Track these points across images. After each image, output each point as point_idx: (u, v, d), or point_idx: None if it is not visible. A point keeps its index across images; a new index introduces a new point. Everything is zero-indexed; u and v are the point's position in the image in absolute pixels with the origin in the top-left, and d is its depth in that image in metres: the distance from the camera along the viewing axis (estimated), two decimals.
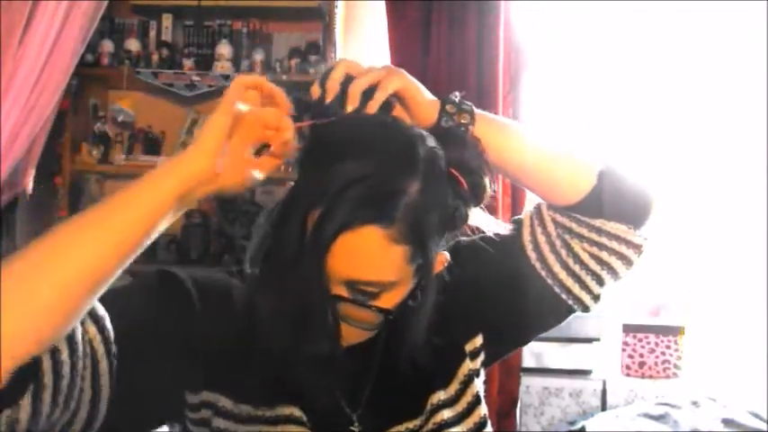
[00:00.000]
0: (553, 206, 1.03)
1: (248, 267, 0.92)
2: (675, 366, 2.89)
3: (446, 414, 1.00)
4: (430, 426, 0.99)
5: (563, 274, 1.02)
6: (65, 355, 0.79)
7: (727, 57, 2.96)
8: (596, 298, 1.05)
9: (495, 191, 0.96)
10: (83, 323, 0.81)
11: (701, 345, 2.96)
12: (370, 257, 0.84)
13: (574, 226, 1.01)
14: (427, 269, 0.89)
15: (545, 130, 1.04)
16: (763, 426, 2.52)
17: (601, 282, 1.03)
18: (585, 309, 1.05)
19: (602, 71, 3.03)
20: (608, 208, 0.99)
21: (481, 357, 1.06)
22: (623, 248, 1.01)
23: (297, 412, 0.93)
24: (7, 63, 2.49)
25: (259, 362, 0.90)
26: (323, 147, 0.86)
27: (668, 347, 2.89)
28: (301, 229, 0.83)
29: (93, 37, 2.82)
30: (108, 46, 3.22)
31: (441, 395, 1.01)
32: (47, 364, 0.78)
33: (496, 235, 1.04)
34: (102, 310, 0.84)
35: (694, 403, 2.62)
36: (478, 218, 0.98)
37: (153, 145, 3.31)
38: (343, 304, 0.87)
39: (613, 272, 1.02)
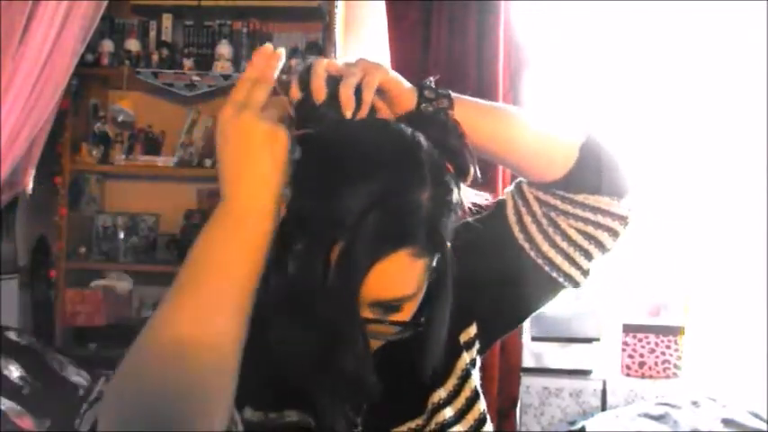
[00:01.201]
0: (535, 184, 1.02)
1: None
2: (675, 366, 2.89)
3: (447, 413, 0.99)
4: (432, 425, 0.98)
5: (552, 253, 1.02)
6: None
7: (727, 57, 2.96)
8: (586, 273, 1.04)
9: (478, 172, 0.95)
10: None
11: (701, 345, 2.96)
12: (397, 278, 0.83)
13: (558, 203, 1.00)
14: (448, 271, 0.88)
15: (524, 109, 1.02)
16: (763, 426, 2.52)
17: (589, 256, 1.02)
18: (576, 285, 1.04)
19: (603, 70, 3.03)
20: (590, 182, 0.98)
21: (476, 346, 1.05)
22: (608, 221, 1.00)
23: (304, 417, 0.93)
24: (7, 63, 2.49)
25: (266, 369, 0.88)
26: (323, 163, 0.83)
27: (668, 347, 2.89)
28: (324, 264, 0.81)
29: (93, 37, 2.82)
30: (108, 46, 3.23)
31: (441, 393, 1.00)
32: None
33: (480, 220, 1.03)
34: None
35: (694, 403, 2.63)
36: (464, 194, 0.98)
37: (153, 145, 3.31)
38: (368, 324, 0.86)
39: (601, 245, 1.02)
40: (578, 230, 1.01)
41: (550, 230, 1.01)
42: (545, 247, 1.02)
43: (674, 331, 2.90)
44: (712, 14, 2.96)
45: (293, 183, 0.84)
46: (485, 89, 2.77)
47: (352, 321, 0.83)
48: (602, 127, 1.01)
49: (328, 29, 3.07)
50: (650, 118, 2.99)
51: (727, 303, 3.00)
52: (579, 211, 1.00)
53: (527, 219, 1.03)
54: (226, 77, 3.13)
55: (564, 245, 1.01)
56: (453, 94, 0.95)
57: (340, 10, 3.08)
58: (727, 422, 2.53)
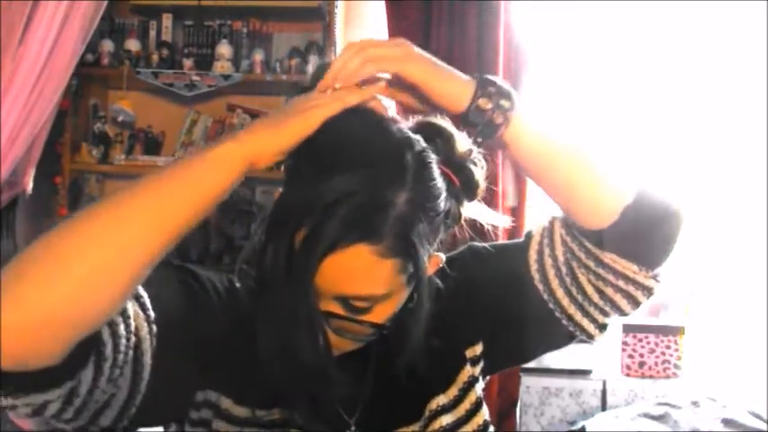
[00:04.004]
0: (566, 224, 0.97)
1: (236, 279, 0.92)
2: (675, 366, 2.89)
3: (445, 420, 0.99)
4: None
5: (566, 301, 0.97)
6: (121, 329, 0.79)
7: (727, 57, 2.96)
8: (601, 327, 0.99)
9: (489, 184, 0.93)
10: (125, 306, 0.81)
11: (700, 345, 2.96)
12: (359, 274, 0.82)
13: (582, 256, 0.94)
14: (419, 278, 0.86)
15: (583, 136, 0.93)
16: (763, 426, 2.52)
17: (605, 314, 0.98)
18: (590, 337, 1.00)
19: (603, 71, 3.03)
20: (623, 245, 0.92)
21: (481, 365, 1.04)
22: (630, 288, 0.94)
23: (295, 417, 0.93)
24: (7, 63, 2.49)
25: (259, 366, 0.89)
26: (311, 154, 0.84)
27: (668, 347, 2.89)
28: (289, 247, 0.81)
29: (93, 37, 2.82)
30: (108, 46, 3.22)
31: (440, 400, 0.99)
32: (107, 336, 0.78)
33: (506, 246, 1.02)
34: (141, 290, 0.84)
35: (694, 403, 2.62)
36: (475, 210, 0.95)
37: (153, 145, 3.31)
38: (336, 319, 0.86)
39: (617, 308, 0.97)
40: (596, 289, 0.96)
41: (568, 280, 0.97)
42: (559, 293, 0.97)
43: (674, 331, 2.90)
44: (712, 14, 2.96)
45: (285, 173, 0.86)
46: None
47: (306, 307, 0.82)
48: (658, 184, 0.93)
49: (328, 29, 3.07)
50: (650, 118, 2.98)
51: (727, 303, 3.00)
52: (602, 272, 0.94)
53: (548, 261, 0.98)
54: (226, 77, 3.13)
55: (579, 297, 0.97)
56: (518, 97, 0.90)
57: (340, 10, 3.07)
58: (727, 422, 2.52)
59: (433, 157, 0.86)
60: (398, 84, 0.90)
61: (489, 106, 0.88)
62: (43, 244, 0.74)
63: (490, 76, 0.90)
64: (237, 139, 0.81)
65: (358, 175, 0.80)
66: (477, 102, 0.88)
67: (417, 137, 0.87)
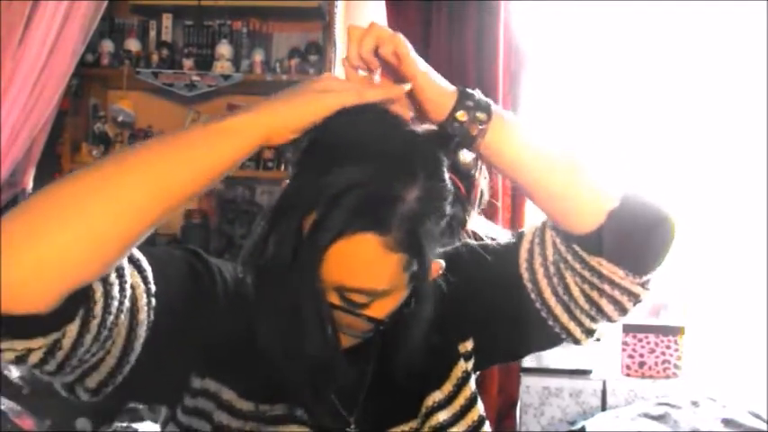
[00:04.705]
0: (554, 226, 0.96)
1: (240, 271, 0.91)
2: (675, 366, 2.89)
3: (442, 416, 0.99)
4: (426, 429, 0.98)
5: (552, 301, 0.97)
6: (115, 291, 0.79)
7: (727, 57, 2.96)
8: (588, 332, 0.98)
9: (493, 196, 0.93)
10: (123, 270, 0.81)
11: (701, 345, 2.96)
12: (363, 265, 0.83)
13: (569, 258, 0.94)
14: (424, 279, 0.86)
15: (567, 142, 0.93)
16: (763, 426, 2.52)
17: (593, 318, 0.97)
18: (576, 341, 0.99)
19: (602, 71, 3.03)
20: (610, 250, 0.90)
21: (473, 360, 1.04)
22: (617, 294, 0.93)
23: (298, 412, 0.93)
24: (7, 63, 2.49)
25: (264, 359, 0.89)
26: (321, 146, 0.84)
27: (668, 347, 2.89)
28: (297, 233, 0.81)
29: (93, 37, 2.82)
30: (108, 46, 3.22)
31: (436, 396, 1.00)
32: (99, 295, 0.77)
33: (498, 244, 1.02)
34: (145, 263, 0.84)
35: (694, 403, 2.62)
36: (477, 223, 0.96)
37: None
38: (334, 311, 0.85)
39: (604, 314, 0.96)
40: (582, 292, 0.95)
41: (555, 280, 0.96)
42: (547, 294, 0.97)
43: (674, 331, 2.90)
44: (712, 14, 2.96)
45: (293, 165, 0.86)
46: (484, 90, 2.72)
47: (312, 294, 0.82)
48: (643, 189, 0.91)
49: (328, 29, 3.07)
50: (650, 118, 2.98)
51: (727, 303, 3.00)
52: (587, 274, 0.93)
53: (537, 260, 0.98)
54: (226, 77, 3.13)
55: (566, 299, 0.96)
56: (496, 108, 0.91)
57: (340, 10, 3.07)
58: (727, 422, 2.52)
59: (444, 160, 0.87)
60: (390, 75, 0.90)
61: (465, 119, 0.88)
62: (45, 191, 0.74)
63: (470, 89, 0.91)
64: (255, 112, 0.81)
65: (370, 168, 0.81)
66: (455, 114, 0.89)
67: (430, 139, 0.88)
